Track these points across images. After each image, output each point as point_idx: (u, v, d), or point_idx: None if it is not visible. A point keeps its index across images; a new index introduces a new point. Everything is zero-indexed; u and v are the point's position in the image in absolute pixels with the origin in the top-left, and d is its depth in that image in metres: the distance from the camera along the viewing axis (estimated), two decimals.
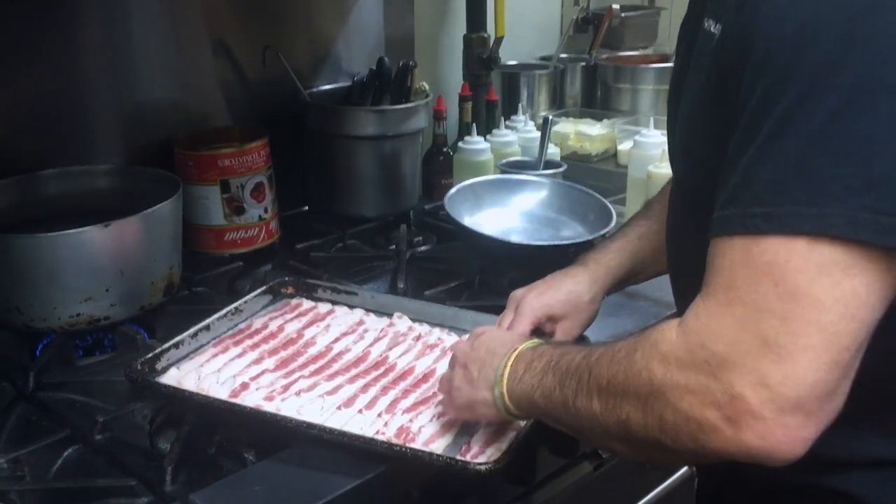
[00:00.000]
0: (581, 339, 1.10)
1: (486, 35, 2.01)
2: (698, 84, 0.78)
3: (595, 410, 0.73)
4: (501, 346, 0.89)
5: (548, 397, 0.80)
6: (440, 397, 1.01)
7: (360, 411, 0.99)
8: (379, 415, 0.98)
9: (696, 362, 0.65)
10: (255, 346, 1.14)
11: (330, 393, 1.02)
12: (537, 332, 1.09)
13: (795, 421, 0.62)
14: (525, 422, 0.93)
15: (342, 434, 0.93)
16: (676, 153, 0.89)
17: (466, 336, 1.08)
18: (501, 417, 0.89)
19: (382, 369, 1.09)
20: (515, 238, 1.45)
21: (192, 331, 1.14)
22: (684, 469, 1.39)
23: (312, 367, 1.09)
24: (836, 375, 0.62)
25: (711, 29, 0.76)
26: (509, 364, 0.86)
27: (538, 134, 1.74)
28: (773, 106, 0.64)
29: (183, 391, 1.02)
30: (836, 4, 0.63)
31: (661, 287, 1.30)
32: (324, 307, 1.26)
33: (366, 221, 1.67)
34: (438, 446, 0.93)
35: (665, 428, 0.68)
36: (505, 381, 0.85)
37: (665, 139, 1.69)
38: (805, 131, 0.62)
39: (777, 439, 0.63)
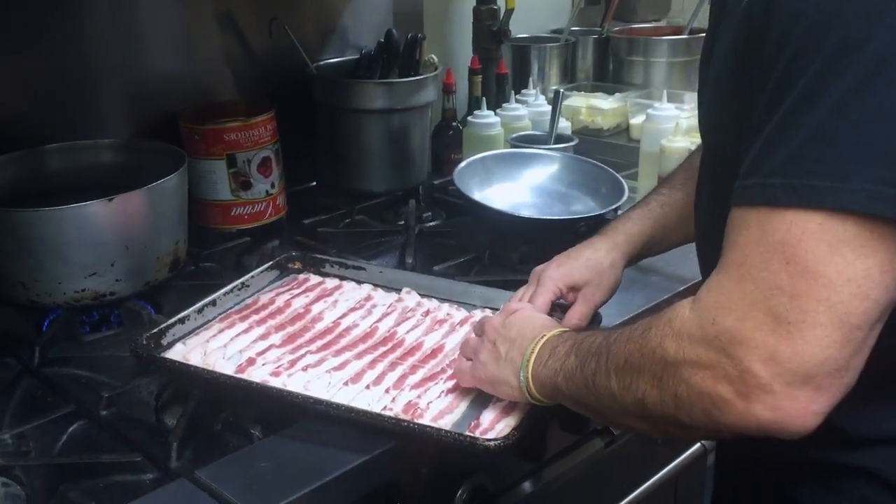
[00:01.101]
0: (594, 320, 1.08)
1: (496, 7, 1.98)
2: (724, 48, 0.76)
3: (613, 389, 0.74)
4: (531, 330, 0.90)
5: (570, 379, 0.81)
6: (448, 373, 1.00)
7: (367, 387, 0.97)
8: (387, 390, 0.97)
9: (707, 337, 0.66)
10: (262, 321, 1.12)
11: (337, 368, 1.01)
12: (557, 307, 1.08)
13: (805, 394, 0.63)
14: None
15: (349, 410, 0.92)
16: (704, 117, 0.87)
17: (496, 312, 1.08)
18: (524, 400, 0.89)
19: (390, 345, 1.08)
20: (526, 212, 1.43)
21: (198, 306, 1.13)
22: (696, 446, 1.38)
23: (319, 343, 1.08)
24: (847, 353, 0.62)
25: None
26: (536, 349, 0.87)
27: (549, 108, 1.72)
28: (796, 77, 0.63)
29: (189, 366, 1.01)
30: None
31: (674, 262, 1.29)
32: (331, 282, 1.24)
33: (374, 196, 1.65)
34: (447, 422, 0.92)
35: (680, 404, 0.68)
36: (531, 366, 0.86)
37: (678, 113, 1.68)
38: (826, 103, 0.62)
39: (787, 412, 0.63)
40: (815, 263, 0.62)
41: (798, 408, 0.63)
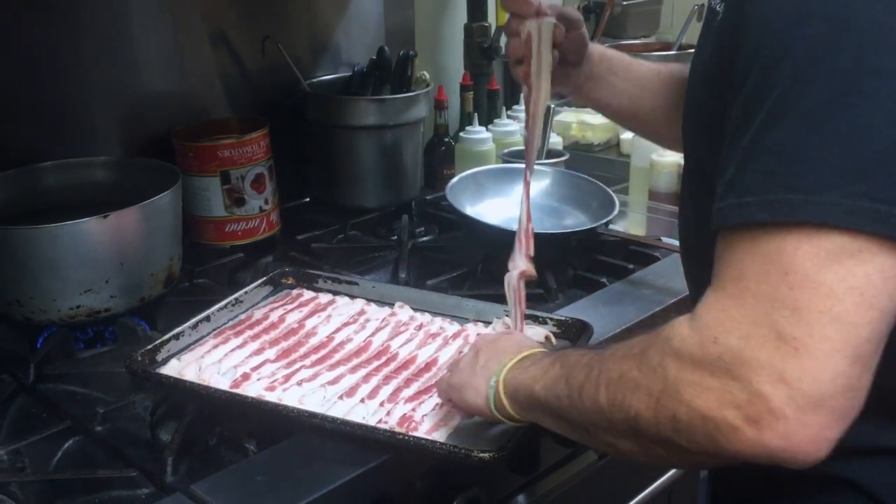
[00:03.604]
0: (584, 330, 1.09)
1: (487, 24, 2.00)
2: (701, 63, 0.77)
3: (602, 404, 0.71)
4: (520, 346, 0.88)
5: (550, 389, 0.77)
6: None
7: (362, 401, 0.98)
8: (381, 404, 0.98)
9: (709, 358, 0.63)
10: (256, 336, 1.13)
11: (332, 383, 1.02)
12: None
13: (818, 420, 0.60)
14: None
15: (344, 423, 0.92)
16: (684, 132, 0.88)
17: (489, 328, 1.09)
18: (486, 413, 0.87)
19: (384, 359, 1.08)
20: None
21: (192, 322, 1.13)
22: None
23: (314, 357, 1.09)
24: (858, 369, 0.60)
25: (717, 8, 0.75)
26: (517, 358, 0.84)
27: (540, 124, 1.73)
28: (766, 93, 0.63)
29: (184, 382, 1.01)
30: None
31: (665, 275, 1.30)
32: (324, 297, 1.25)
33: (367, 212, 1.66)
34: (441, 435, 0.93)
35: (678, 427, 0.65)
36: (505, 371, 0.84)
37: None
38: (798, 118, 0.61)
39: (800, 439, 0.60)
40: (814, 272, 0.59)
41: (811, 435, 0.60)
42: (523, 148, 1.69)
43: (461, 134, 1.77)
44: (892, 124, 0.59)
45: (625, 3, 2.33)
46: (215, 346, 1.10)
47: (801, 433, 0.60)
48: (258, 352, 1.09)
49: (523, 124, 1.82)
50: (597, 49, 1.12)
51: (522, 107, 1.91)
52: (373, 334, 1.15)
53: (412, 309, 1.21)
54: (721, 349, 0.62)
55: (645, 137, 1.31)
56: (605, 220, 1.41)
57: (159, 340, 1.08)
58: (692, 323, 0.65)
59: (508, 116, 1.86)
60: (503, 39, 1.85)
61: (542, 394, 0.78)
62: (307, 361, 1.07)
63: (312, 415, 0.93)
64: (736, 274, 0.63)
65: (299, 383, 1.01)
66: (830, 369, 0.59)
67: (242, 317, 1.19)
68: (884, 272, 0.59)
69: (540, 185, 1.55)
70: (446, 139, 1.82)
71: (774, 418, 0.60)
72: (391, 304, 1.22)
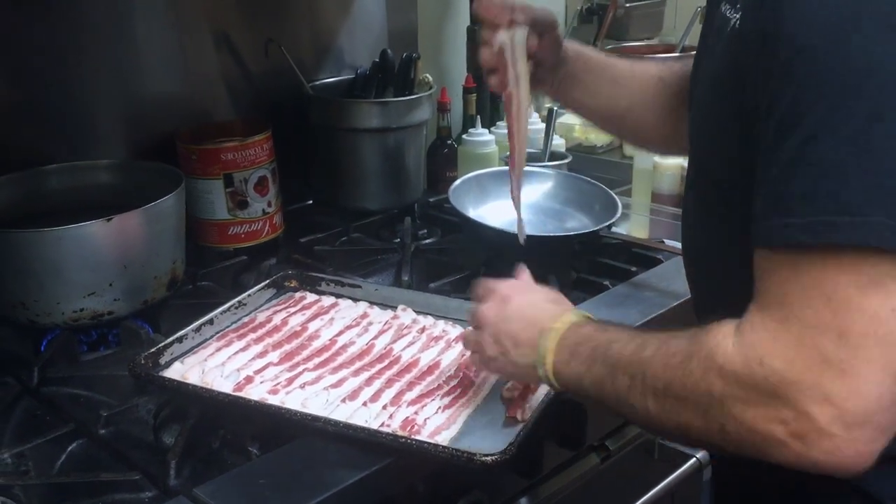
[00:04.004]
0: None
1: None
2: (712, 70, 0.76)
3: (651, 410, 0.73)
4: (539, 318, 0.86)
5: (599, 387, 0.78)
6: (446, 388, 1.01)
7: (364, 404, 0.98)
8: (384, 407, 0.98)
9: (755, 379, 0.64)
10: (259, 339, 1.13)
11: (334, 386, 1.02)
12: None
13: (864, 435, 0.62)
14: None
15: (347, 426, 0.92)
16: (692, 135, 0.88)
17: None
18: (549, 384, 0.87)
19: (387, 362, 1.08)
20: None
21: (195, 325, 1.13)
22: (692, 461, 1.38)
23: (317, 360, 1.09)
24: None
25: (728, 14, 0.74)
26: (552, 347, 0.83)
27: (543, 126, 1.73)
28: (805, 110, 0.63)
29: (187, 385, 1.01)
30: (864, 6, 0.62)
31: (667, 278, 1.30)
32: (327, 300, 1.25)
33: (370, 215, 1.66)
34: (443, 438, 0.93)
35: (727, 437, 0.67)
36: (549, 364, 0.83)
37: None
38: (838, 136, 0.61)
39: (846, 454, 0.62)
40: (857, 298, 0.61)
41: (858, 450, 0.62)
42: (526, 150, 1.70)
43: (464, 136, 1.77)
44: None
45: (628, 4, 2.33)
46: (218, 349, 1.10)
47: (849, 448, 0.62)
48: (261, 355, 1.09)
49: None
50: (572, 48, 1.11)
51: None
52: (376, 337, 1.15)
53: (415, 312, 1.21)
54: (766, 371, 0.64)
55: (625, 140, 1.31)
56: (607, 223, 1.41)
57: (162, 343, 1.08)
58: (737, 339, 0.67)
59: None
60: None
61: (593, 391, 0.80)
62: (310, 364, 1.08)
63: (315, 418, 0.94)
64: (780, 297, 0.64)
65: (302, 386, 1.01)
66: (875, 389, 0.61)
67: (246, 320, 1.20)
68: None
69: (542, 187, 1.55)
70: (449, 141, 1.82)
71: (820, 436, 0.62)
72: (394, 307, 1.23)
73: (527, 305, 0.90)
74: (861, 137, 0.60)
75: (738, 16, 0.72)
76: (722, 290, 0.74)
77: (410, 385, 1.03)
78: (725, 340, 0.67)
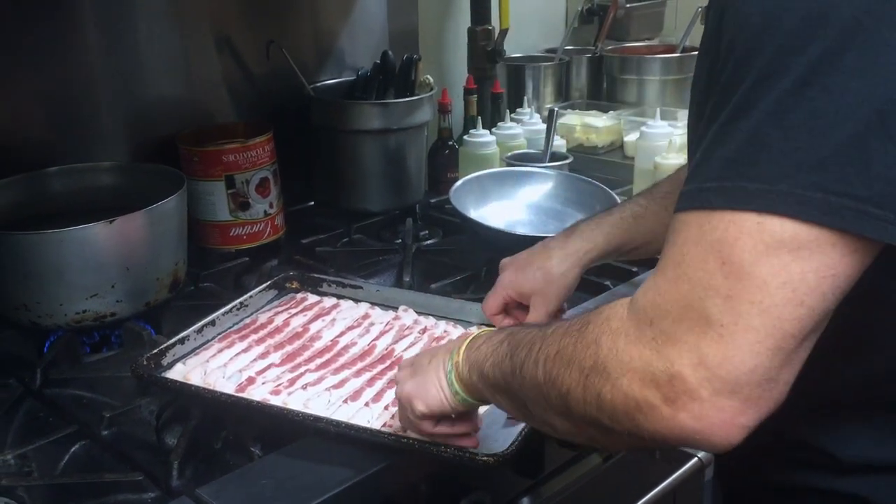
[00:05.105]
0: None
1: (490, 27, 2.00)
2: (697, 71, 0.78)
3: (539, 380, 0.72)
4: (446, 349, 0.87)
5: (497, 366, 0.78)
6: None
7: (366, 404, 0.98)
8: (386, 407, 0.98)
9: (642, 339, 0.64)
10: (261, 340, 1.13)
11: (336, 386, 1.02)
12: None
13: (731, 405, 0.61)
14: None
15: (349, 427, 0.93)
16: (688, 135, 0.88)
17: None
18: (449, 396, 0.84)
19: (388, 362, 1.09)
20: (521, 230, 1.45)
21: (197, 326, 1.14)
22: (693, 461, 1.38)
23: (318, 361, 1.09)
24: (778, 362, 0.60)
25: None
26: (468, 339, 0.84)
27: (544, 126, 1.73)
28: (737, 85, 0.63)
29: (189, 386, 1.02)
30: None
31: None
32: (329, 301, 1.25)
33: (371, 216, 1.66)
34: None
35: (602, 406, 0.66)
36: (461, 351, 0.83)
37: (671, 130, 1.70)
38: (761, 109, 0.61)
39: (712, 422, 0.61)
40: (750, 264, 0.60)
41: (724, 419, 0.61)
42: (527, 151, 1.71)
43: (465, 137, 1.77)
44: (853, 120, 0.59)
45: (628, 5, 2.33)
46: (220, 351, 1.10)
47: (714, 416, 0.61)
48: (263, 356, 1.10)
49: (526, 127, 1.83)
50: (596, 249, 1.12)
51: (526, 110, 1.93)
52: (377, 338, 1.15)
53: (416, 312, 1.22)
54: (655, 331, 0.63)
55: None
56: None
57: (165, 345, 1.09)
58: (631, 304, 0.67)
59: (512, 120, 1.86)
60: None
61: (490, 372, 0.79)
62: (312, 365, 1.08)
63: (317, 418, 0.94)
64: (677, 258, 0.64)
65: (304, 387, 1.01)
66: (750, 359, 0.60)
67: (247, 321, 1.20)
68: (819, 271, 0.60)
69: (543, 188, 1.55)
70: (450, 143, 1.82)
71: (690, 399, 0.61)
72: (395, 308, 1.23)
73: (430, 350, 0.91)
74: (781, 110, 0.60)
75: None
76: None
77: None
78: (622, 307, 0.67)
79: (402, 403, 0.88)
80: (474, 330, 0.97)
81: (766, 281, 0.59)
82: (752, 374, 0.60)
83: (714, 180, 0.63)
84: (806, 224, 0.59)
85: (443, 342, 1.14)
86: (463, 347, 0.84)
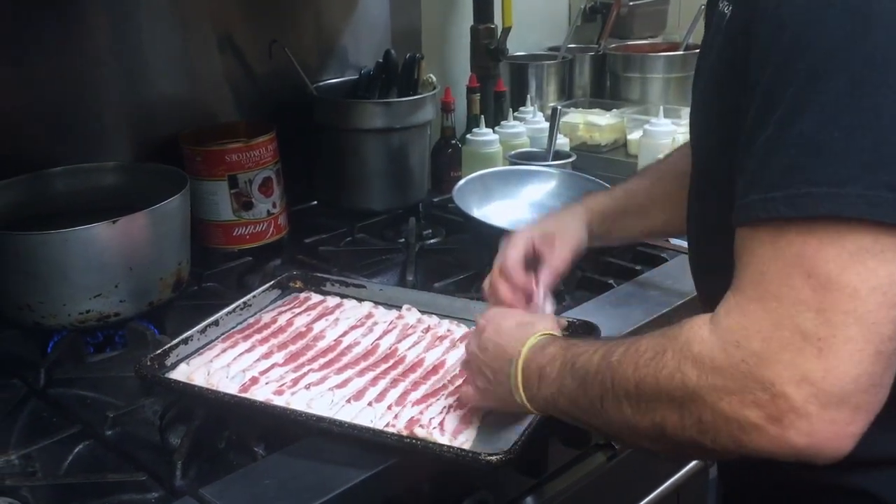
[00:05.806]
0: (591, 332, 1.09)
1: (493, 26, 2.00)
2: (710, 63, 0.77)
3: (626, 414, 0.71)
4: (508, 346, 0.87)
5: (573, 402, 0.78)
6: (451, 388, 1.01)
7: (369, 404, 0.98)
8: (389, 407, 0.98)
9: (732, 362, 0.63)
10: (265, 340, 1.13)
11: (339, 386, 1.02)
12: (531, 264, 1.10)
13: (842, 416, 0.60)
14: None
15: (352, 427, 0.93)
16: (693, 136, 0.88)
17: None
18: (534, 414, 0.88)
19: (392, 362, 1.09)
20: None
21: (201, 326, 1.14)
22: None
23: (322, 361, 1.09)
24: (880, 367, 0.60)
25: (725, 10, 0.75)
26: (519, 376, 0.84)
27: (547, 125, 1.73)
28: (784, 87, 0.63)
29: (193, 386, 1.02)
30: None
31: (672, 276, 1.30)
32: (332, 301, 1.25)
33: (374, 215, 1.66)
34: (449, 438, 0.93)
35: (704, 429, 0.65)
36: (521, 392, 0.84)
37: (674, 128, 1.70)
38: (818, 111, 0.61)
39: (824, 436, 0.61)
40: (837, 274, 0.59)
41: (835, 431, 0.61)
42: (530, 150, 1.71)
43: (468, 136, 1.77)
44: None
45: (631, 3, 2.33)
46: (224, 350, 1.10)
47: (826, 429, 0.60)
48: (266, 356, 1.10)
49: (529, 126, 1.83)
50: (588, 216, 1.13)
51: (529, 109, 1.93)
52: (380, 337, 1.15)
53: (420, 311, 1.21)
54: (744, 353, 0.62)
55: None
56: None
57: (168, 345, 1.09)
58: (712, 326, 0.66)
59: (515, 118, 1.86)
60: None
61: (568, 408, 0.79)
62: (315, 365, 1.08)
63: (320, 418, 0.94)
64: (757, 276, 0.63)
65: (307, 387, 1.01)
66: (853, 368, 0.60)
67: (251, 320, 1.20)
68: None
69: (546, 186, 1.55)
70: (453, 141, 1.82)
71: (797, 416, 0.60)
72: (399, 307, 1.23)
73: (496, 334, 0.90)
74: (839, 110, 0.60)
75: (730, 8, 0.73)
76: (724, 284, 0.74)
77: (415, 385, 1.03)
78: (701, 329, 0.66)
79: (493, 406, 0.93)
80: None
81: (857, 288, 0.59)
82: (857, 382, 0.60)
83: (778, 189, 0.62)
84: (883, 226, 0.59)
85: (446, 341, 1.13)
86: (521, 389, 0.83)
